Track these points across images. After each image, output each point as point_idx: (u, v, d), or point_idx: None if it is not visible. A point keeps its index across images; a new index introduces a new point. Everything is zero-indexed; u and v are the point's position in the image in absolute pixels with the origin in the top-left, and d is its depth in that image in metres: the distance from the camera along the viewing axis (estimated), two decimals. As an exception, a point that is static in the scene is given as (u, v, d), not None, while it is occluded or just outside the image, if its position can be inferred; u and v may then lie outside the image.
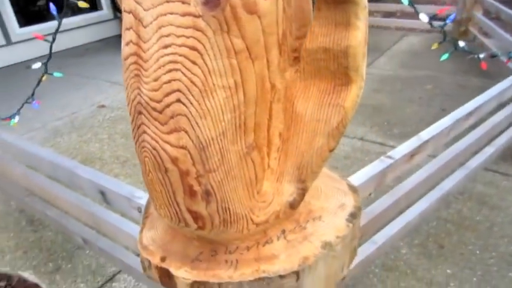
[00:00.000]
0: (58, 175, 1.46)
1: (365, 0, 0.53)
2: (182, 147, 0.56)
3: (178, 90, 0.53)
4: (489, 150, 2.12)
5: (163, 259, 0.75)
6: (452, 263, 1.66)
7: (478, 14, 4.14)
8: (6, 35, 4.62)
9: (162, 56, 0.52)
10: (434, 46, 1.21)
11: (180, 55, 0.52)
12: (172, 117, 0.55)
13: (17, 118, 1.48)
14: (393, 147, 2.56)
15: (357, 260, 1.42)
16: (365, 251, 1.46)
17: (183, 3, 0.50)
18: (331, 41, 0.56)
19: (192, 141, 0.56)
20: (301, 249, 0.68)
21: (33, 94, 1.31)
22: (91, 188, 1.32)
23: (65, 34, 4.90)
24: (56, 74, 1.27)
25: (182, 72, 0.52)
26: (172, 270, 0.72)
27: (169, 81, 0.53)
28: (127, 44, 0.57)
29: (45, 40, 1.08)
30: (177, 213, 0.63)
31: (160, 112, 0.55)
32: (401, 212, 1.63)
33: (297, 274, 0.66)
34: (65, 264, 1.75)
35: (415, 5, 1.22)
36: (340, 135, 0.62)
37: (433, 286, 1.56)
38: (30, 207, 1.96)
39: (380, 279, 1.58)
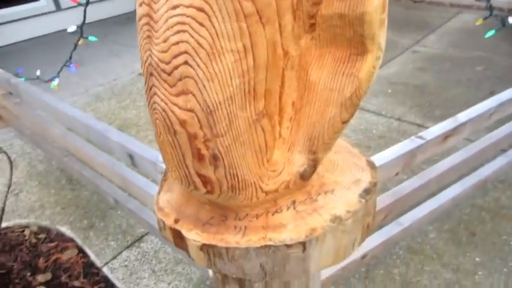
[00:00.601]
0: (92, 138, 1.53)
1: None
2: (190, 110, 0.56)
3: (186, 52, 0.53)
4: (537, 138, 1.98)
5: (176, 221, 0.77)
6: (482, 252, 1.60)
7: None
8: (56, 2, 4.79)
9: (171, 17, 0.52)
10: (479, 22, 1.13)
11: (188, 16, 0.51)
12: (180, 80, 0.55)
13: (56, 81, 1.54)
14: (432, 129, 2.46)
15: (379, 240, 1.40)
16: (389, 231, 1.43)
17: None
18: (347, 7, 0.53)
19: (200, 104, 0.56)
20: (310, 221, 0.67)
21: (70, 57, 1.35)
22: (121, 151, 1.36)
23: (109, 2, 5.01)
24: (91, 38, 1.31)
25: (189, 34, 0.52)
26: (184, 232, 0.74)
27: (177, 43, 0.53)
28: (140, 5, 0.57)
29: (80, 4, 1.11)
30: (186, 176, 0.64)
31: (169, 74, 0.55)
32: (432, 195, 1.57)
33: (303, 245, 0.66)
34: (98, 222, 1.85)
35: None
36: (354, 106, 0.60)
37: (460, 273, 1.51)
38: (69, 166, 2.07)
39: (403, 261, 1.55)
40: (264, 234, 0.67)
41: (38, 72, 2.23)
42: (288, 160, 0.67)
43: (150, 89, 0.60)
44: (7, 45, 4.56)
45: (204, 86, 0.55)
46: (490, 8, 1.09)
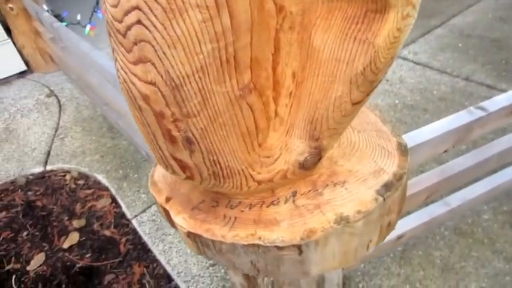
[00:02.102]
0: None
1: None
2: (151, 83, 0.45)
3: (138, 8, 0.40)
4: None
5: (168, 199, 0.69)
6: (546, 241, 1.38)
7: None
8: None
9: (117, -42, 0.39)
10: None
11: (135, -42, 0.38)
12: (135, 44, 0.43)
13: (88, 27, 1.48)
14: (505, 91, 2.12)
15: (419, 221, 1.24)
16: (433, 211, 1.26)
17: None
18: None
19: (162, 77, 0.44)
20: (309, 220, 0.55)
21: (97, 3, 1.26)
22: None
23: None
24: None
25: (140, -18, 0.39)
26: (172, 215, 0.65)
27: (126, -5, 0.40)
28: None
29: None
30: (162, 158, 0.54)
31: (124, 35, 0.43)
32: (490, 173, 1.36)
33: (298, 248, 0.55)
34: (132, 173, 1.85)
35: None
36: (368, 85, 0.45)
37: (514, 263, 1.32)
38: (108, 115, 2.07)
39: (447, 243, 1.39)
40: (253, 230, 0.56)
41: (79, 17, 2.20)
42: (286, 145, 0.54)
43: (113, 52, 0.49)
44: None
45: (165, 54, 0.42)
46: None
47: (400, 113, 2.01)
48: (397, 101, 2.10)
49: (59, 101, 2.59)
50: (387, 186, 0.57)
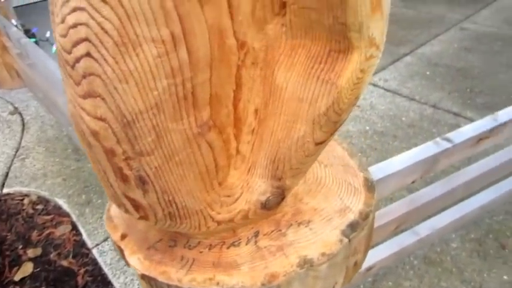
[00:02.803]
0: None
1: None
2: (100, 119, 0.41)
3: (87, 40, 0.37)
4: None
5: (123, 237, 0.64)
6: None
7: None
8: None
9: (64, -12, 0.36)
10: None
11: (83, -13, 0.35)
12: (84, 77, 0.40)
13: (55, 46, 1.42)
14: (471, 119, 2.19)
15: (389, 251, 1.23)
16: (402, 241, 1.25)
17: None
18: (323, -19, 0.36)
19: (112, 113, 0.40)
20: (271, 263, 0.52)
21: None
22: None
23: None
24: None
25: (89, 14, 0.36)
26: (126, 255, 0.61)
27: (75, 25, 0.37)
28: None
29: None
30: (114, 196, 0.50)
31: (72, 67, 0.40)
32: (457, 202, 1.37)
33: (260, 292, 0.51)
34: (96, 198, 1.78)
35: None
36: (331, 125, 0.43)
37: (481, 293, 1.33)
38: (74, 135, 1.99)
39: (417, 273, 1.38)
40: (212, 274, 0.53)
41: (48, 34, 2.13)
42: (248, 184, 0.51)
43: (63, 83, 0.46)
44: (28, 4, 4.50)
45: (116, 89, 0.39)
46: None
47: (371, 139, 2.03)
48: (367, 127, 2.12)
49: (22, 119, 2.48)
50: (353, 226, 0.55)
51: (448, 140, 1.05)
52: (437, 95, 2.42)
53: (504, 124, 1.13)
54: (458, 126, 2.11)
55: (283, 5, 0.43)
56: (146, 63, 0.38)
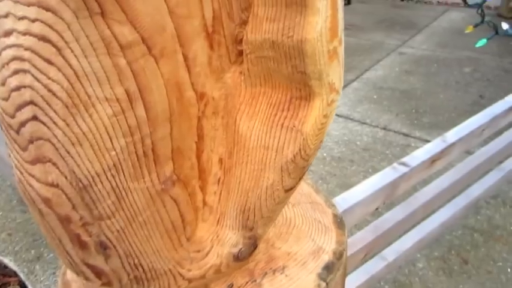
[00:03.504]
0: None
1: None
2: (52, 185, 0.38)
3: (32, 103, 0.34)
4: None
5: (83, 303, 0.59)
6: (476, 283, 1.44)
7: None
8: None
9: (4, 49, 0.34)
10: (469, 29, 0.96)
11: (26, 49, 0.32)
12: (31, 141, 0.36)
13: None
14: (420, 138, 2.30)
15: (360, 280, 1.23)
16: (372, 268, 1.26)
17: (19, -36, 0.30)
18: (280, 31, 0.35)
19: (66, 178, 0.37)
20: (248, 317, 0.49)
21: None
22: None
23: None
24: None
25: (33, 76, 0.33)
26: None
27: (18, 88, 0.34)
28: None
29: None
30: (72, 264, 0.46)
31: (17, 132, 0.37)
32: (418, 222, 1.40)
33: None
34: (47, 252, 1.65)
35: None
36: (299, 170, 0.42)
37: (451, 310, 1.35)
38: (20, 189, 1.86)
39: (389, 298, 1.38)
40: (185, 338, 0.49)
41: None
42: (217, 236, 0.48)
43: (7, 147, 0.42)
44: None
45: (69, 152, 0.36)
46: (482, 14, 0.92)
47: (329, 166, 2.07)
48: (325, 154, 2.16)
49: (-39, 175, 2.30)
50: (328, 268, 0.54)
51: (404, 164, 1.09)
52: (386, 117, 2.52)
53: (453, 144, 1.19)
54: (409, 146, 2.21)
55: (240, 53, 0.43)
56: (101, 123, 0.36)
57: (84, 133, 0.36)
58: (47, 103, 0.34)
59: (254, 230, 0.47)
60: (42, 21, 0.31)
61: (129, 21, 0.33)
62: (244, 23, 0.42)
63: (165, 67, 0.37)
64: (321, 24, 0.33)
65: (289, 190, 0.44)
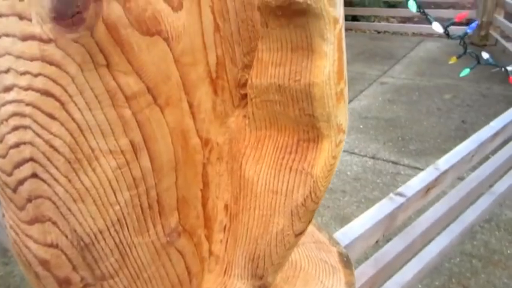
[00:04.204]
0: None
1: (335, 11, 0.31)
2: (51, 246, 0.35)
3: (32, 160, 0.33)
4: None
5: None
6: (479, 311, 1.41)
7: (500, 17, 3.86)
8: None
9: (4, 105, 0.32)
10: (452, 60, 0.99)
11: (28, 104, 0.31)
12: (30, 200, 0.34)
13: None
14: (408, 166, 2.31)
15: (363, 316, 1.19)
16: (373, 302, 1.22)
17: (21, 18, 0.29)
18: (287, 75, 0.35)
19: (66, 237, 0.35)
20: None
21: None
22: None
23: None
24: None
25: (34, 132, 0.32)
26: None
27: (17, 145, 0.33)
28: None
29: None
30: (70, 327, 0.43)
31: (14, 191, 0.35)
32: (417, 252, 1.38)
33: None
34: (34, 307, 1.56)
35: (431, 10, 1.01)
36: (310, 213, 0.41)
37: None
38: (1, 236, 1.78)
39: (393, 333, 1.34)
40: None
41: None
42: (225, 287, 0.46)
43: (1, 206, 0.39)
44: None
45: (70, 210, 0.34)
46: (464, 45, 0.95)
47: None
48: (316, 186, 2.15)
49: None
50: (341, 313, 0.52)
51: (400, 194, 1.08)
52: (374, 146, 2.55)
53: (446, 172, 1.19)
54: (399, 174, 2.22)
55: (243, 97, 0.42)
56: (104, 177, 0.34)
57: (87, 188, 0.34)
58: (48, 159, 0.32)
59: (264, 278, 0.45)
60: (45, 76, 0.30)
61: (135, 71, 0.32)
62: (246, 66, 0.41)
63: (171, 116, 0.36)
64: (329, 67, 0.33)
65: (300, 234, 0.42)
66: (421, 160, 2.34)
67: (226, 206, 0.45)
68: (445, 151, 2.48)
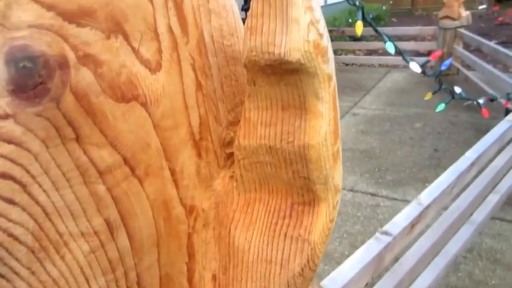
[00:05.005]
0: None
1: (329, 68, 0.29)
2: None
3: (-12, 253, 0.28)
4: (493, 199, 1.89)
5: None
6: None
7: (459, 48, 4.07)
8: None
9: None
10: (428, 96, 1.00)
11: (-18, 189, 0.27)
12: (-14, 298, 0.29)
13: None
14: (387, 197, 2.31)
15: None
16: None
17: (-25, 92, 0.25)
18: (278, 136, 0.32)
19: (30, 337, 0.30)
20: None
21: None
22: None
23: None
24: None
25: (-10, 220, 0.27)
26: None
27: (-32, 237, 0.28)
28: None
29: None
30: None
31: (-34, 288, 0.29)
32: (405, 289, 1.35)
33: None
34: None
35: (396, 42, 1.03)
36: (307, 282, 0.37)
37: None
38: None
39: None
40: None
41: None
42: None
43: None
44: None
45: (34, 305, 0.29)
46: (440, 83, 0.97)
47: (303, 235, 2.01)
48: (297, 223, 2.11)
49: None
50: None
51: (386, 233, 1.06)
52: (352, 178, 2.55)
53: (428, 206, 1.18)
54: (378, 206, 2.21)
55: (228, 157, 0.39)
56: (75, 264, 0.29)
57: (54, 280, 0.29)
58: (7, 251, 0.28)
59: None
60: (2, 156, 0.25)
61: (109, 142, 0.28)
62: (231, 124, 0.38)
63: (151, 187, 0.32)
64: (325, 128, 0.30)
65: (299, 307, 0.38)
66: (398, 191, 2.36)
67: (214, 277, 0.40)
68: (421, 180, 2.51)
